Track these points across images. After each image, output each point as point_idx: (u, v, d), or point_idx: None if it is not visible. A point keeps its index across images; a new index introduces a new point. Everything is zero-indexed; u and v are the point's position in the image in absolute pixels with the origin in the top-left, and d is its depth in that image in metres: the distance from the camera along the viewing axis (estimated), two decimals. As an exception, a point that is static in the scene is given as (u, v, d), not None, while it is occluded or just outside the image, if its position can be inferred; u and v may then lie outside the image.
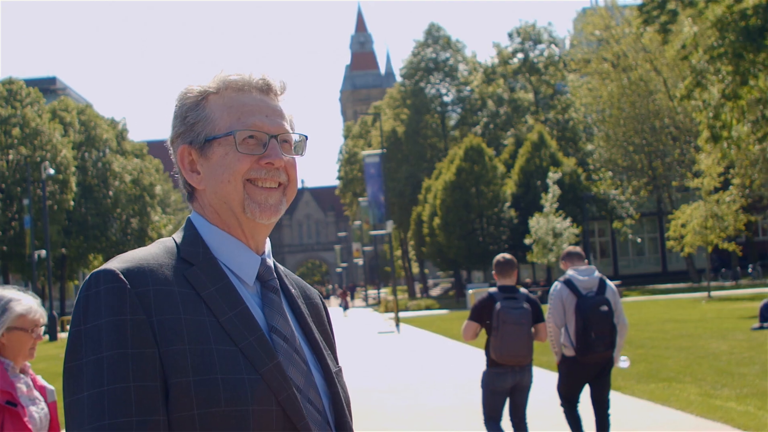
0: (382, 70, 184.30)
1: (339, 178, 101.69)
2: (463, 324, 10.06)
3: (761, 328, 25.68)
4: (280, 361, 2.20)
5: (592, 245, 74.70)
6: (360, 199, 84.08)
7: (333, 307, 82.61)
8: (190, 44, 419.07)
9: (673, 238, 48.63)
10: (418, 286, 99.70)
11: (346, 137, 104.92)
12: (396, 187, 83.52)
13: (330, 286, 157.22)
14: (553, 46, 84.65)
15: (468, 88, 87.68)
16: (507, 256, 10.00)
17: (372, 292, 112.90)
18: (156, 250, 2.26)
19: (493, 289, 9.94)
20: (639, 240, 78.63)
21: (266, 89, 2.38)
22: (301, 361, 2.28)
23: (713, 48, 38.11)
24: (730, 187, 49.12)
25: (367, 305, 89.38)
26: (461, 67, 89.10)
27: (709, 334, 25.19)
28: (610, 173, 71.59)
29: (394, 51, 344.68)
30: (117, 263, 2.17)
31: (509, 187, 67.44)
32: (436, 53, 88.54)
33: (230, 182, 2.29)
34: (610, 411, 10.55)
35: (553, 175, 52.34)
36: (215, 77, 2.37)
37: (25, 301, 4.85)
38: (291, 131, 2.39)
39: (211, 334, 2.14)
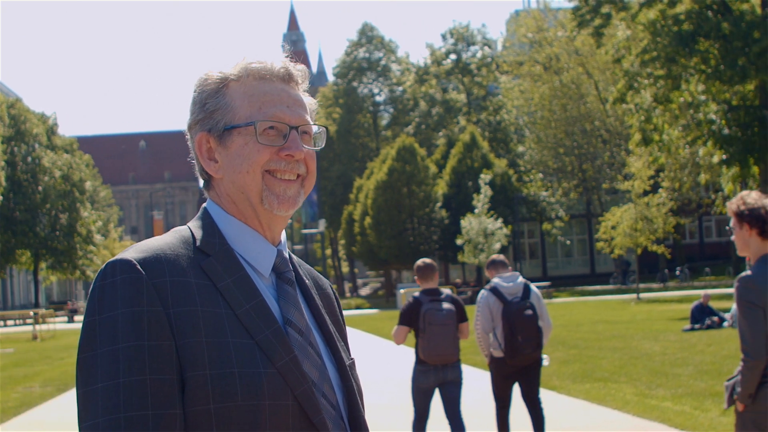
0: (314, 68, 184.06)
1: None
2: (394, 329, 10.47)
3: (692, 329, 25.95)
4: (296, 354, 2.16)
5: (521, 246, 75.09)
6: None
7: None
8: (121, 40, 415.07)
9: (603, 240, 49.02)
10: (347, 286, 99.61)
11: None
12: (327, 186, 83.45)
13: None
14: (486, 47, 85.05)
15: (400, 88, 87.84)
16: (427, 260, 10.47)
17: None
18: (172, 240, 2.22)
19: (417, 293, 10.42)
20: (568, 242, 79.21)
21: (288, 78, 2.35)
22: (315, 354, 2.25)
23: (646, 52, 38.49)
24: (660, 190, 49.75)
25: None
26: (394, 67, 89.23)
27: (641, 335, 25.38)
28: (540, 175, 72.14)
29: (326, 50, 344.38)
30: (133, 253, 2.13)
31: (441, 188, 67.60)
32: (369, 53, 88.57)
33: (249, 173, 2.25)
34: (543, 407, 10.78)
35: (485, 176, 52.53)
36: (237, 64, 2.33)
37: None
38: (311, 122, 2.36)
39: (227, 327, 2.11)
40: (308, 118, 2.34)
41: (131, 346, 2.01)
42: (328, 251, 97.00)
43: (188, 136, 2.37)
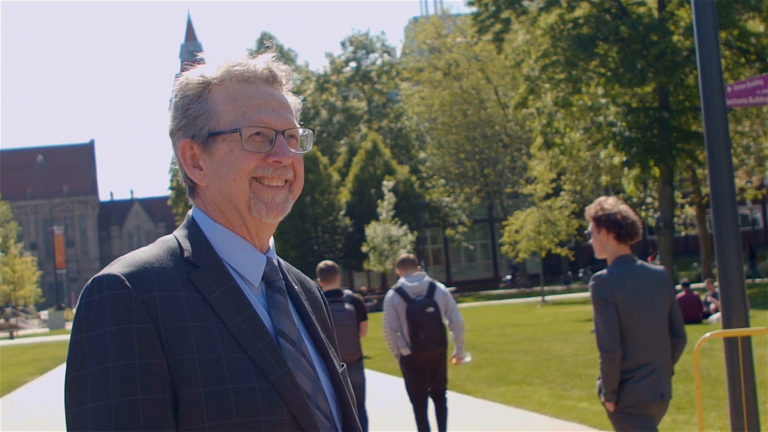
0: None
1: (171, 188, 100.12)
2: None
3: (600, 330, 26.14)
4: (289, 368, 2.09)
5: (425, 252, 75.32)
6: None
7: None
8: (16, 53, 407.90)
9: (507, 244, 49.32)
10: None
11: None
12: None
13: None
14: (385, 54, 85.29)
15: (301, 97, 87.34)
16: (329, 262, 10.94)
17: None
18: (158, 251, 2.14)
19: None
20: (471, 247, 79.62)
21: (271, 80, 2.29)
22: (308, 364, 2.19)
23: (546, 56, 38.82)
24: (562, 193, 50.19)
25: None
26: (294, 75, 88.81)
27: (551, 337, 25.50)
28: (442, 181, 72.42)
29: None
30: (120, 267, 2.05)
31: (344, 196, 67.61)
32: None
33: (236, 181, 2.18)
34: (448, 400, 11.24)
35: (387, 183, 52.61)
36: (218, 67, 2.24)
37: None
38: (297, 125, 2.30)
39: (219, 342, 2.05)
40: (294, 120, 2.28)
41: (121, 365, 1.95)
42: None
43: (171, 142, 2.28)
